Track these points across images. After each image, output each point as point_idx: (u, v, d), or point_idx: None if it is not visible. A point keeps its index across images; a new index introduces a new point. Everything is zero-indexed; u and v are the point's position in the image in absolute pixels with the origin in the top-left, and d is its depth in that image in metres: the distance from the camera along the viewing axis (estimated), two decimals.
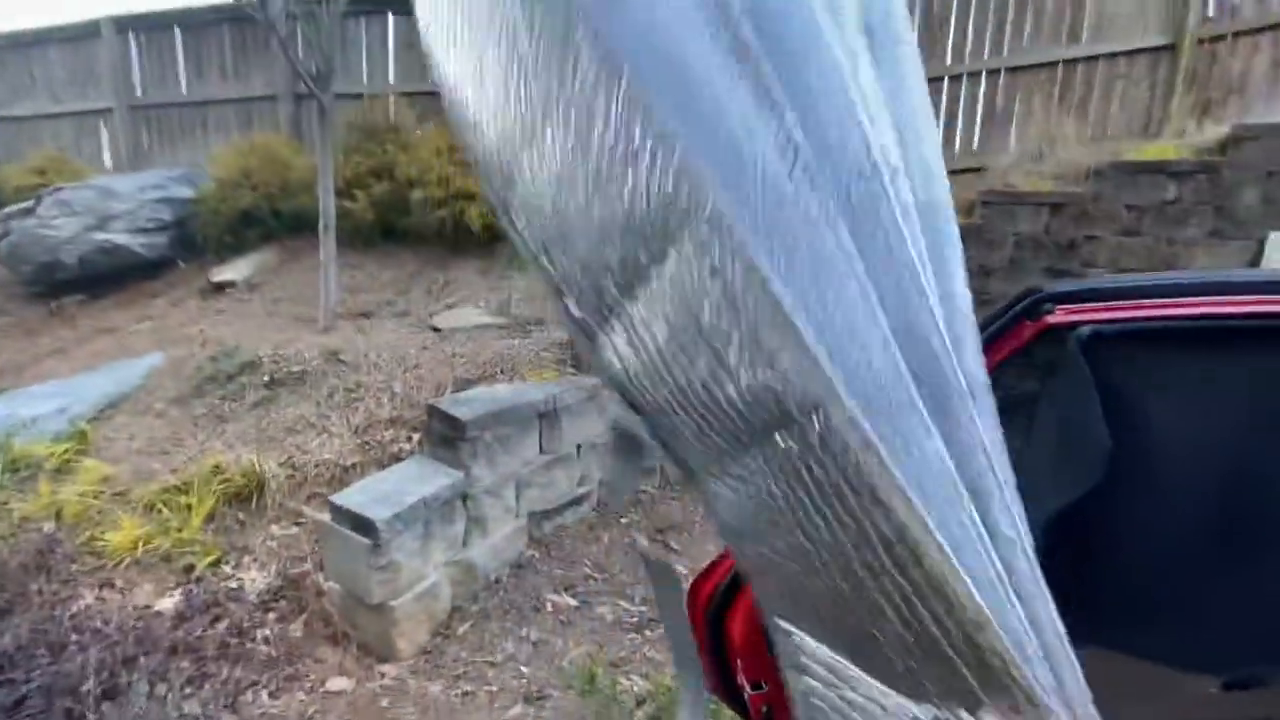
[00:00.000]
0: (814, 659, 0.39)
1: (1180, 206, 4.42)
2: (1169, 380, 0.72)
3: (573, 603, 2.87)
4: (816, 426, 0.34)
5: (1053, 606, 0.31)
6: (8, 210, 5.69)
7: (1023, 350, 0.76)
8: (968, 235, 4.43)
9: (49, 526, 3.02)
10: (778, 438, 0.36)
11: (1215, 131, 4.73)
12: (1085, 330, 0.72)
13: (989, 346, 0.82)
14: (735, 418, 0.39)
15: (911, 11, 5.60)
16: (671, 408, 0.42)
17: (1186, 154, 4.61)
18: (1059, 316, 0.76)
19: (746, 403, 0.37)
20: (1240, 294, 0.76)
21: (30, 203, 5.57)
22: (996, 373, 0.83)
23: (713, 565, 1.14)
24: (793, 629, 0.41)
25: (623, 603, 2.90)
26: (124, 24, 6.79)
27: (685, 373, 0.39)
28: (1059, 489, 0.68)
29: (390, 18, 6.17)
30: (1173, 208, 4.43)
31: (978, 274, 4.54)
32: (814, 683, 0.38)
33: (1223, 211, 4.29)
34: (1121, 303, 0.77)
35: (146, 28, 6.78)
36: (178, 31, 6.71)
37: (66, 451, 3.41)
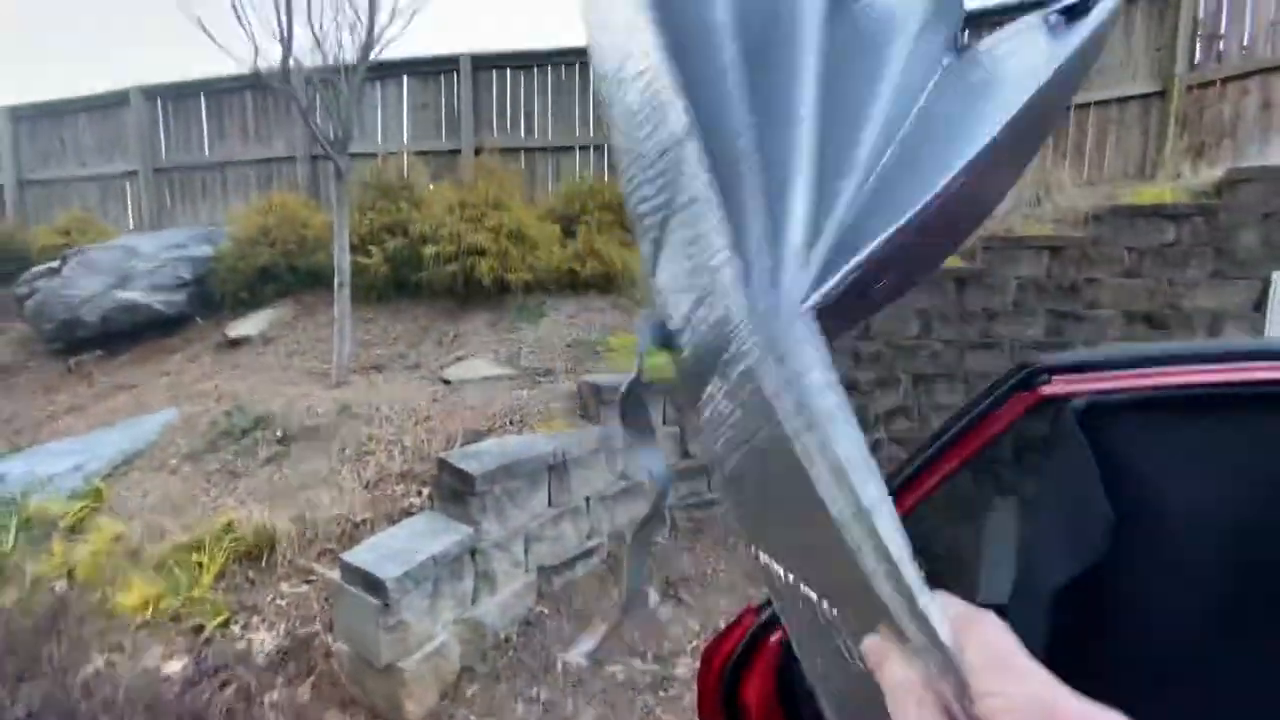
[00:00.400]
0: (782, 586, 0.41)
1: (1180, 248, 4.47)
2: (1168, 450, 0.73)
3: (584, 662, 2.82)
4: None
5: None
6: (34, 270, 5.88)
7: (1019, 422, 0.78)
8: (970, 280, 4.49)
9: (61, 586, 3.02)
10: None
11: (1210, 174, 4.82)
12: (1081, 401, 0.74)
13: (985, 419, 0.84)
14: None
15: None
16: None
17: (1183, 197, 4.69)
18: (1055, 388, 0.79)
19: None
20: (1237, 362, 0.78)
21: (56, 263, 5.75)
22: (995, 444, 0.85)
23: (728, 630, 1.14)
24: (763, 556, 0.44)
25: (635, 661, 2.84)
26: (152, 92, 7.14)
27: None
28: (1063, 563, 0.69)
29: (405, 80, 6.46)
30: (1172, 250, 4.48)
31: (982, 317, 4.57)
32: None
33: (1223, 253, 4.33)
34: (1117, 372, 0.79)
35: (173, 95, 7.12)
36: (202, 98, 7.04)
37: (81, 509, 3.43)
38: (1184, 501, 0.69)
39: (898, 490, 0.94)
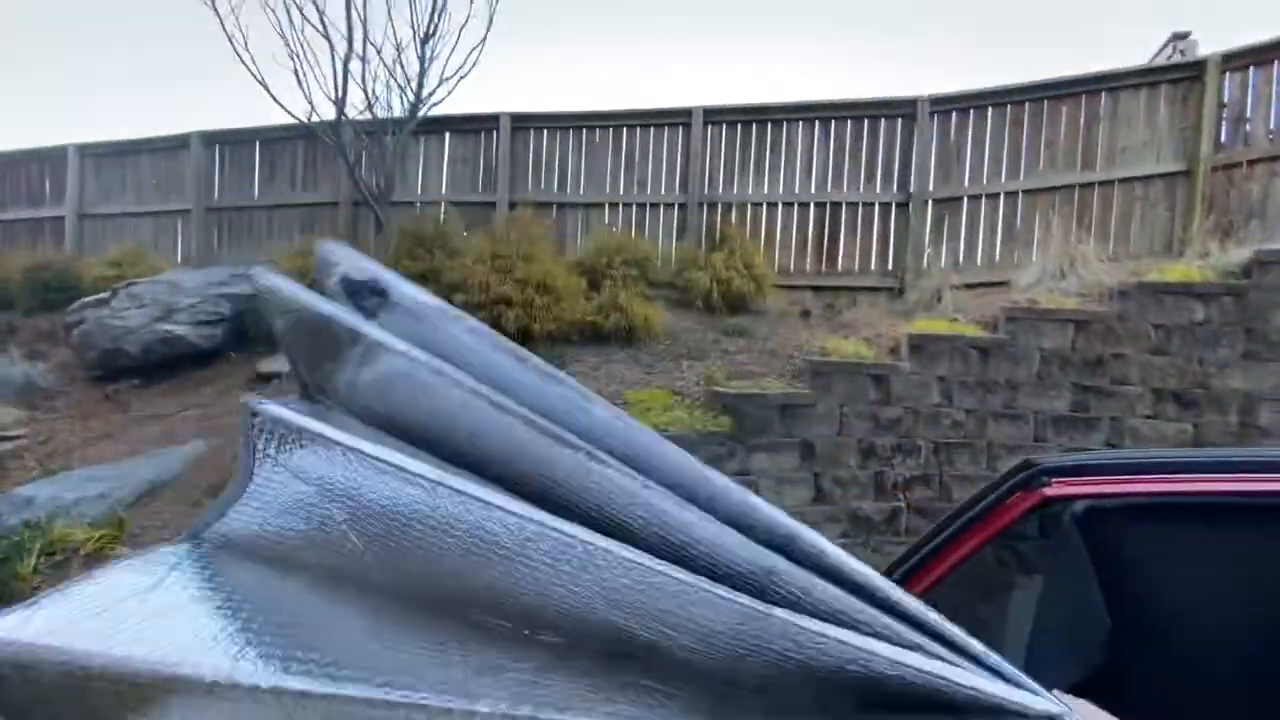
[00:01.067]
0: None
1: (1209, 328, 4.41)
2: (1167, 556, 0.74)
3: None
4: None
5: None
6: (84, 300, 6.17)
7: (1019, 522, 0.79)
8: (994, 350, 4.48)
9: None
10: None
11: (1239, 254, 4.79)
12: (1081, 505, 0.75)
13: (985, 516, 0.85)
14: None
15: (925, 143, 5.95)
16: None
17: (1211, 275, 4.66)
18: (1055, 490, 0.80)
19: None
20: (1236, 473, 0.79)
21: (106, 294, 6.04)
22: (994, 544, 0.86)
23: None
24: None
25: None
26: (211, 138, 7.61)
27: None
28: (1065, 668, 0.69)
29: (447, 136, 6.80)
30: (1202, 329, 4.42)
31: (1005, 388, 4.52)
32: None
33: (1254, 334, 4.27)
34: (1117, 477, 0.80)
35: (230, 141, 7.58)
36: (257, 145, 7.48)
37: (102, 538, 3.51)
38: (1182, 606, 0.69)
39: (902, 580, 0.94)
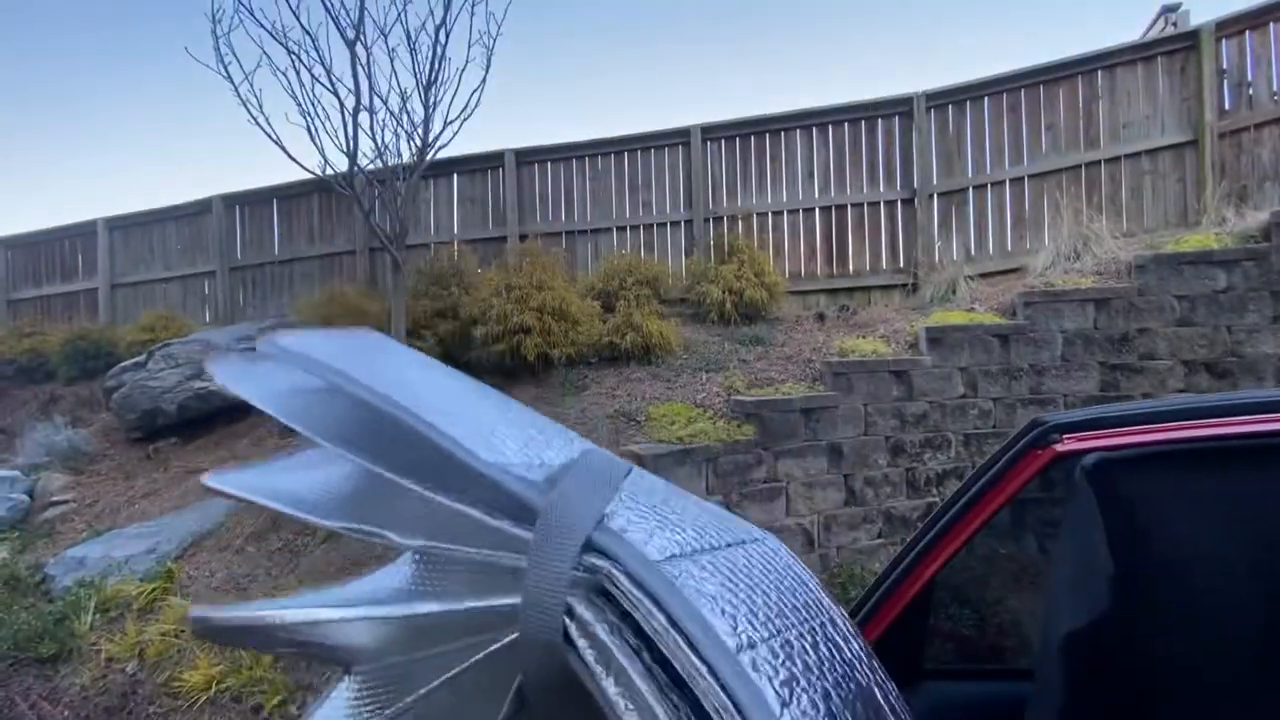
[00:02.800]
0: None
1: (1234, 294, 4.34)
2: (1181, 504, 0.75)
3: None
4: None
5: None
6: (121, 365, 6.41)
7: (1035, 479, 0.81)
8: (1015, 336, 4.44)
9: (132, 666, 3.15)
10: None
11: (1256, 218, 4.73)
12: (1091, 458, 0.77)
13: (1001, 477, 0.88)
14: None
15: (925, 139, 5.98)
16: None
17: (1230, 242, 4.59)
18: (1067, 445, 0.82)
19: None
20: (1246, 415, 0.80)
21: (142, 357, 6.27)
22: (1013, 502, 0.88)
23: None
24: None
25: None
26: (231, 200, 7.91)
27: None
28: (1074, 616, 0.71)
29: (455, 178, 7.00)
30: (1226, 296, 4.35)
31: (1029, 373, 4.47)
32: None
33: None
34: (1130, 428, 0.82)
35: (249, 201, 7.87)
36: (275, 202, 7.76)
37: (154, 590, 3.61)
38: (1197, 554, 0.71)
39: (919, 556, 0.96)
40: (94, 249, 8.66)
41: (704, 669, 0.27)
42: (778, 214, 6.30)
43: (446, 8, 4.36)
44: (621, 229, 6.63)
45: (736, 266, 5.76)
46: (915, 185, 5.97)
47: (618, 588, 0.30)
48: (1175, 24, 6.25)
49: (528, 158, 6.82)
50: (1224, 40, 5.37)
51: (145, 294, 8.38)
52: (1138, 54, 5.59)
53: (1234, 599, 0.69)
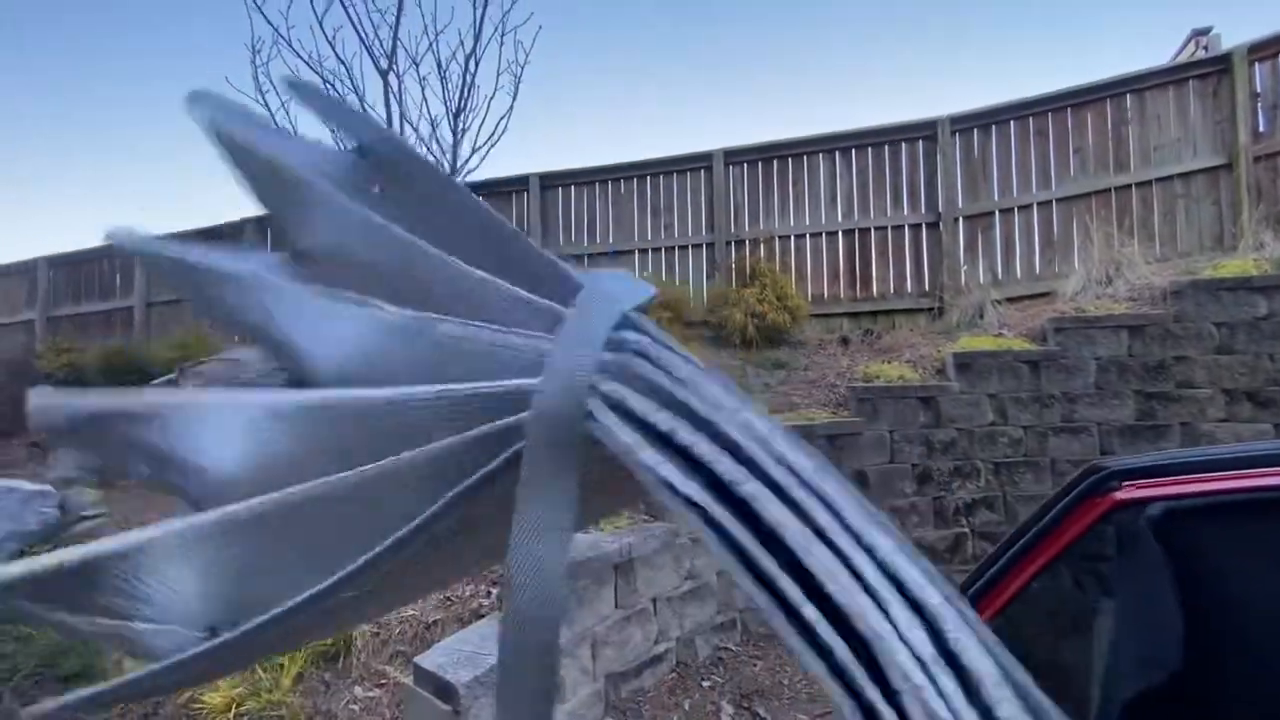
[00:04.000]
0: None
1: (1275, 321, 4.21)
2: (1251, 556, 0.71)
3: None
4: None
5: None
6: (154, 381, 6.54)
7: (1091, 530, 0.77)
8: (1045, 363, 4.34)
9: None
10: None
11: None
12: (1157, 507, 0.73)
13: (1056, 525, 0.84)
14: None
15: (950, 162, 5.94)
16: None
17: (1269, 268, 4.47)
18: (1127, 492, 0.78)
19: None
20: None
21: (174, 374, 6.39)
22: (1067, 552, 0.84)
23: None
24: None
25: None
26: (264, 224, 8.12)
27: None
28: (1139, 673, 0.66)
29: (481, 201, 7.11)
30: (1267, 323, 4.22)
31: (1062, 400, 4.36)
32: None
33: None
34: (1193, 476, 0.78)
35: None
36: None
37: None
38: (1265, 607, 0.66)
39: (973, 602, 0.92)
40: (131, 268, 8.93)
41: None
42: (800, 237, 6.28)
43: (477, 38, 4.47)
44: (644, 251, 6.66)
45: (759, 290, 5.74)
46: (940, 209, 5.92)
47: (648, 357, 0.31)
48: (1206, 47, 6.17)
49: (551, 181, 6.91)
50: (1256, 64, 5.29)
51: (179, 312, 8.59)
52: (1169, 77, 5.52)
53: None
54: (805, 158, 6.30)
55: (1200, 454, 0.79)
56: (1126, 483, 0.79)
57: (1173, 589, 0.68)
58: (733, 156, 6.43)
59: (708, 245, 6.46)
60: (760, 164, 6.41)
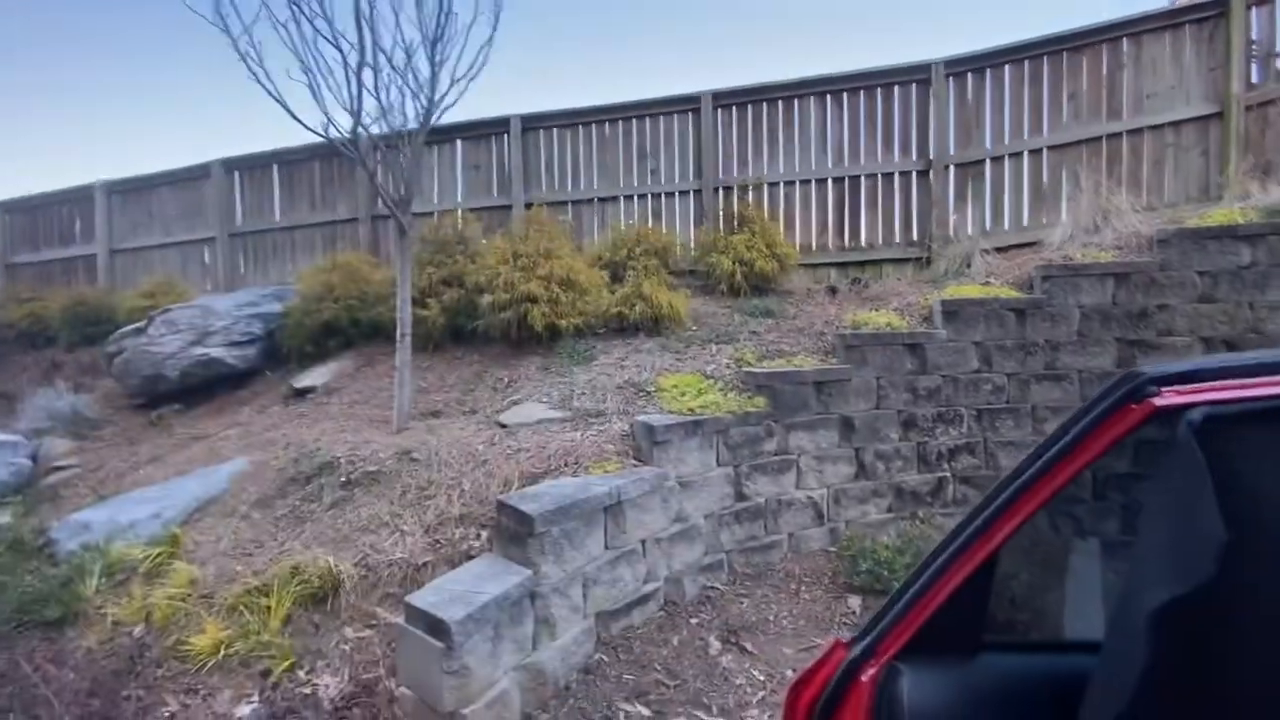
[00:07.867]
0: None
1: (1258, 270, 4.26)
2: None
3: (646, 712, 2.73)
4: None
5: None
6: (122, 330, 6.32)
7: (1128, 437, 0.74)
8: (1031, 310, 4.36)
9: (139, 630, 3.12)
10: None
11: None
12: (1198, 413, 0.70)
13: (1089, 433, 0.81)
14: None
15: (943, 108, 5.82)
16: None
17: (1255, 217, 4.49)
18: (1166, 399, 0.75)
19: None
20: None
21: (143, 323, 6.18)
22: (1102, 460, 0.81)
23: (815, 667, 1.09)
24: None
25: (698, 712, 2.73)
26: (231, 164, 7.75)
27: None
28: (1170, 582, 0.64)
29: (459, 144, 6.83)
30: (1249, 272, 4.27)
31: (1045, 348, 4.41)
32: None
33: None
34: (1234, 381, 0.75)
35: (249, 166, 7.71)
36: (275, 168, 7.59)
37: (159, 555, 3.58)
38: None
39: (993, 516, 0.90)
40: (92, 214, 8.52)
41: None
42: (790, 184, 6.16)
43: None
44: (629, 198, 6.50)
45: (747, 237, 5.65)
46: (932, 156, 5.83)
47: None
48: None
49: (533, 124, 6.65)
50: (1254, 8, 5.19)
51: (144, 260, 8.26)
52: (1165, 21, 5.41)
53: None
54: (796, 101, 6.12)
55: (1240, 359, 0.76)
56: (1166, 388, 0.76)
57: (1214, 497, 0.66)
58: (722, 99, 6.23)
59: (695, 191, 6.31)
60: (750, 107, 6.22)
